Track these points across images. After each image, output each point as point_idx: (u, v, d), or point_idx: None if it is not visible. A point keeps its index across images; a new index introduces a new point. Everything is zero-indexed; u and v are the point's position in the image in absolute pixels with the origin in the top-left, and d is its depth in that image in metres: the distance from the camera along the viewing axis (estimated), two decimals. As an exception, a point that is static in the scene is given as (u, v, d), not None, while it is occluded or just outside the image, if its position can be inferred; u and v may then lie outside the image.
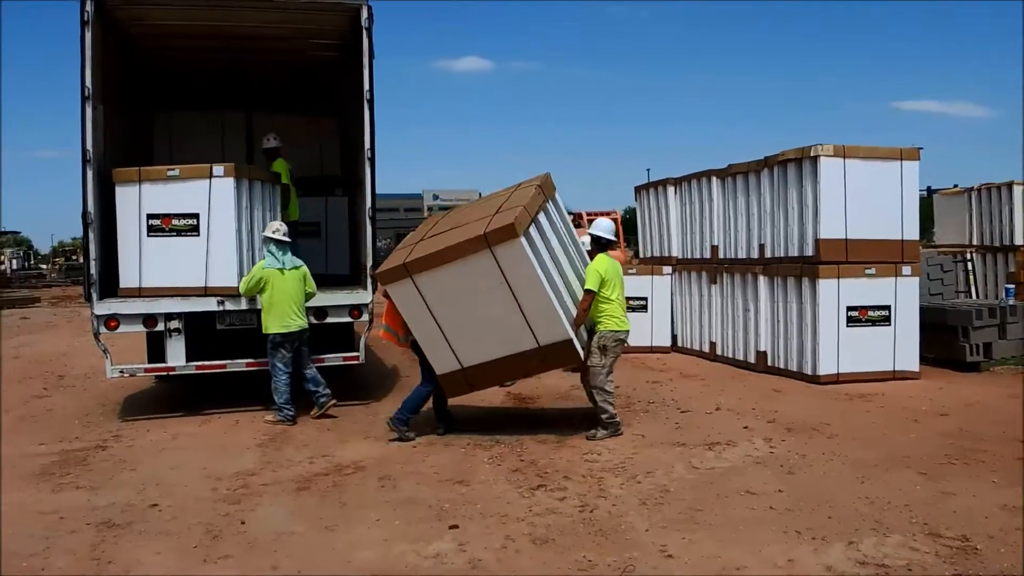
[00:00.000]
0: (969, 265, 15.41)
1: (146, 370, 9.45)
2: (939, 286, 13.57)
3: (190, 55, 10.98)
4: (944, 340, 11.16)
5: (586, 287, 7.88)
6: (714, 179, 12.55)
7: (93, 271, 8.73)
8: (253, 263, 9.14)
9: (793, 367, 10.68)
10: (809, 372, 10.37)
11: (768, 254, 11.21)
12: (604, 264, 7.99)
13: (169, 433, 8.48)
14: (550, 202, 8.36)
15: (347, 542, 5.37)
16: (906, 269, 10.44)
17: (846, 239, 10.27)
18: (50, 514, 6.02)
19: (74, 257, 70.51)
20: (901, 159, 10.49)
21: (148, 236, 8.92)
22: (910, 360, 10.49)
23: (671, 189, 13.87)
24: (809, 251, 10.41)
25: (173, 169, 9.09)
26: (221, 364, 9.14)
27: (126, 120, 10.43)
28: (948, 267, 14.05)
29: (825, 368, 10.22)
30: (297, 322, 8.83)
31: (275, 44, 10.58)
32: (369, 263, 9.36)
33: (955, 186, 18.25)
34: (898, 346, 10.42)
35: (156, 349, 9.44)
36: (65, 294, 35.85)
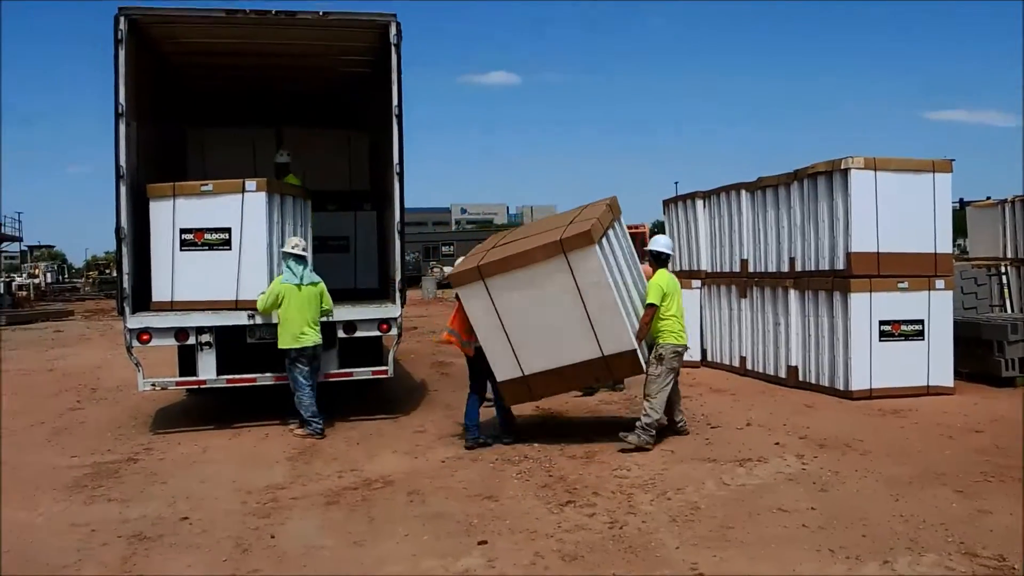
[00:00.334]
0: (1004, 279, 15.16)
1: (177, 383, 9.54)
2: (973, 300, 13.35)
3: (222, 72, 11.12)
4: (978, 355, 10.99)
5: (648, 301, 8.12)
6: (743, 192, 12.48)
7: (126, 285, 8.83)
8: (284, 277, 9.23)
9: (825, 382, 10.56)
10: (841, 387, 10.25)
11: (799, 268, 11.12)
12: (665, 279, 8.28)
13: (200, 446, 8.54)
14: (616, 222, 8.59)
15: (375, 557, 5.37)
16: (939, 283, 10.30)
17: (878, 252, 10.15)
18: (82, 526, 6.08)
19: (107, 271, 71.45)
20: (933, 171, 10.38)
21: (181, 250, 9.03)
22: (944, 375, 10.34)
23: (700, 203, 13.80)
24: (840, 264, 10.31)
25: (206, 184, 9.20)
26: (251, 378, 9.20)
27: (159, 136, 10.56)
28: (982, 280, 13.83)
29: (857, 383, 10.10)
30: (311, 337, 8.84)
31: (305, 60, 10.67)
32: (398, 277, 9.39)
33: (988, 198, 18.01)
34: (932, 361, 10.27)
35: (187, 362, 9.51)
36: (98, 307, 36.38)
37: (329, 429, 9.01)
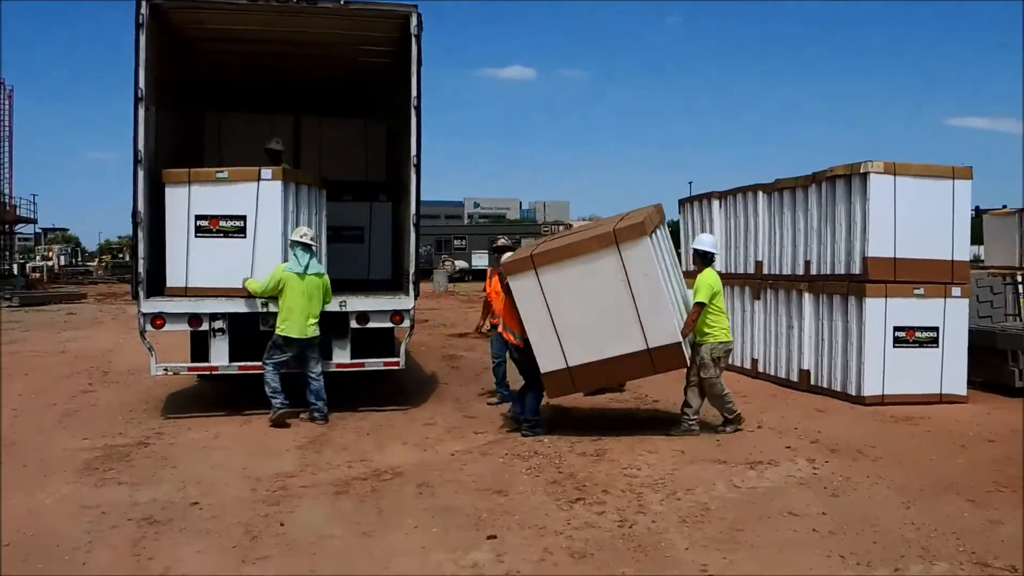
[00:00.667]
0: (1020, 288, 15.08)
1: (189, 368, 9.58)
2: (988, 308, 13.27)
3: (241, 59, 11.10)
4: (992, 364, 10.90)
5: (697, 299, 8.39)
6: (760, 194, 12.41)
7: (141, 270, 8.85)
8: (299, 265, 9.24)
9: (837, 387, 10.50)
10: (853, 392, 10.19)
11: (814, 271, 11.05)
12: (713, 277, 8.54)
13: (210, 432, 8.56)
14: (661, 227, 8.90)
15: (385, 548, 5.37)
16: (956, 290, 10.22)
17: (894, 258, 10.07)
18: (92, 508, 6.10)
19: (120, 255, 71.83)
20: (953, 177, 10.29)
21: (196, 237, 9.04)
22: (958, 384, 10.26)
23: (716, 203, 13.73)
24: (856, 269, 10.24)
25: (222, 171, 9.21)
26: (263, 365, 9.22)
27: (177, 121, 10.58)
28: (998, 289, 13.75)
29: (870, 389, 10.04)
30: (310, 330, 8.85)
31: (325, 49, 10.64)
32: (412, 269, 9.38)
33: (1004, 207, 17.94)
34: (945, 369, 10.19)
35: (199, 348, 9.54)
36: (111, 291, 36.60)
37: (339, 419, 9.02)
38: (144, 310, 8.86)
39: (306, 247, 8.89)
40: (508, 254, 9.33)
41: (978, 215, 20.94)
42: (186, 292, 9.06)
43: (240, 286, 8.93)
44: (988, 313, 13.13)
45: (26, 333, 18.57)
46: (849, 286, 10.32)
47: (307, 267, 8.84)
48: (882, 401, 9.98)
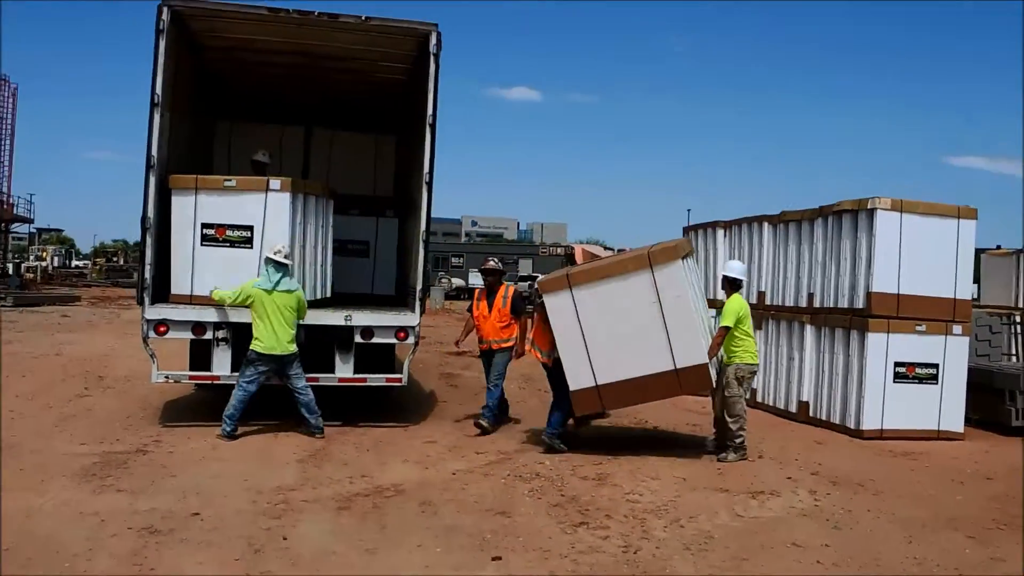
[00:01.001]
0: (1016, 328, 15.14)
1: (191, 377, 9.51)
2: (987, 347, 13.32)
3: (258, 69, 11.09)
4: (990, 402, 10.93)
5: (723, 323, 8.71)
6: (766, 224, 12.45)
7: (147, 275, 8.82)
8: (306, 277, 9.21)
9: (836, 419, 10.51)
10: (852, 426, 10.20)
11: (817, 303, 11.09)
12: (740, 302, 8.89)
13: (209, 442, 8.50)
14: (690, 257, 9.21)
15: (388, 566, 5.34)
16: (957, 328, 10.27)
17: (898, 294, 10.12)
18: (91, 515, 6.05)
19: (115, 259, 71.56)
20: (959, 217, 10.36)
21: (202, 245, 9.03)
22: (955, 421, 10.28)
23: (720, 232, 13.77)
24: (860, 303, 10.28)
25: (230, 180, 9.21)
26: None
27: (190, 128, 10.57)
28: (997, 328, 13.81)
29: (869, 423, 10.05)
30: (281, 346, 8.70)
31: (342, 63, 10.62)
32: (419, 286, 9.36)
33: (998, 247, 18.06)
34: (944, 405, 10.22)
35: (198, 356, 9.46)
36: (105, 295, 36.40)
37: (339, 434, 8.98)
38: (148, 316, 8.81)
39: (279, 265, 8.69)
40: (540, 279, 9.39)
41: (976, 254, 21.04)
42: (191, 300, 9.04)
43: None
44: (986, 352, 13.17)
45: (20, 334, 18.45)
46: (852, 320, 10.35)
47: (276, 284, 8.64)
48: (881, 435, 9.99)
